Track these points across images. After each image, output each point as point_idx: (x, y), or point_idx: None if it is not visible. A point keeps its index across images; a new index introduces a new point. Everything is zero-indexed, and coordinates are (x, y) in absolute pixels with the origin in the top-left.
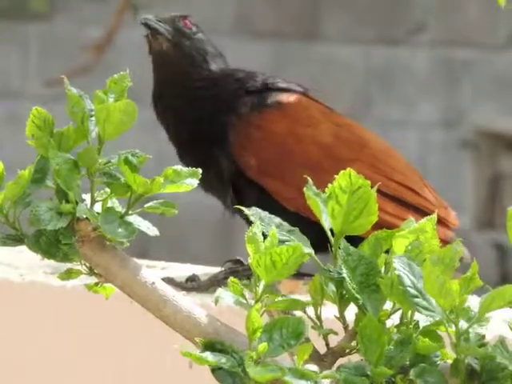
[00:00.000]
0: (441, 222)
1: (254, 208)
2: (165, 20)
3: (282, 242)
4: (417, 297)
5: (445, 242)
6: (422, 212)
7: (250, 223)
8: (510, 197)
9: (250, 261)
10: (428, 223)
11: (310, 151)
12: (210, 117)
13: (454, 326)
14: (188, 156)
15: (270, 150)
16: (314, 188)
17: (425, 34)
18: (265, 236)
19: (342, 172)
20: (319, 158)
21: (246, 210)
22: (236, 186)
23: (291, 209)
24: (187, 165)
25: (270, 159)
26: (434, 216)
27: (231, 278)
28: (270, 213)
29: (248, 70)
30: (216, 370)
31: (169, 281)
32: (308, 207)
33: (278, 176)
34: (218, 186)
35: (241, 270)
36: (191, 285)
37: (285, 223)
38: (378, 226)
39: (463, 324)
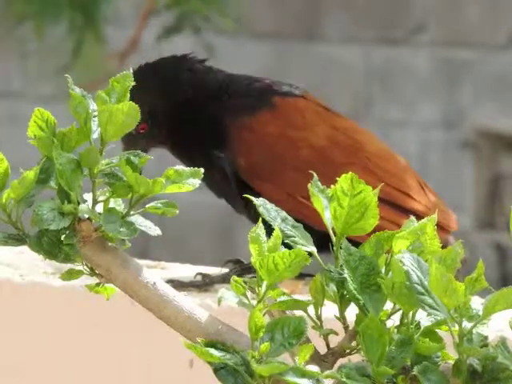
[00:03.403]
0: (438, 225)
1: (261, 199)
2: (126, 143)
3: (286, 236)
4: (423, 294)
5: (443, 245)
6: (416, 217)
7: (255, 221)
8: (510, 197)
9: (252, 261)
10: (428, 224)
11: (301, 154)
12: (206, 120)
13: (457, 325)
14: (190, 162)
15: (260, 152)
16: (319, 183)
17: (425, 34)
18: (269, 228)
19: (343, 175)
20: (311, 161)
21: (254, 200)
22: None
23: None
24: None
25: (260, 161)
26: (435, 216)
27: (234, 278)
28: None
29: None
30: (218, 370)
31: (178, 284)
32: (298, 210)
33: (268, 178)
34: (226, 190)
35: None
36: (202, 281)
37: (290, 218)
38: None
39: (466, 324)
